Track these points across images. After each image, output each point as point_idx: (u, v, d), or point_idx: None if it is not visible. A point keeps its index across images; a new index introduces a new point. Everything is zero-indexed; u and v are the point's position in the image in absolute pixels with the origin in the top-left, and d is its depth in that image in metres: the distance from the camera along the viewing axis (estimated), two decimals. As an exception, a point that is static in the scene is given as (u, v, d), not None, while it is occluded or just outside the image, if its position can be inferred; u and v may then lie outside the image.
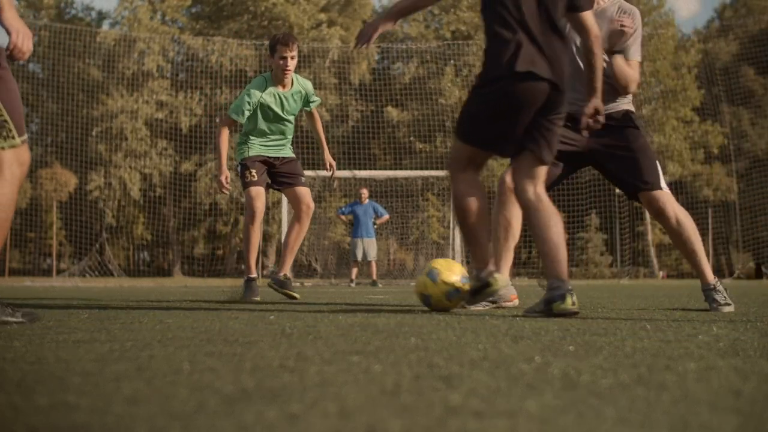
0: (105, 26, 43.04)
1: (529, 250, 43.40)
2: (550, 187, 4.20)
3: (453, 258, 19.81)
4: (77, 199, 34.97)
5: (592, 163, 4.51)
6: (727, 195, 39.44)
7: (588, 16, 3.64)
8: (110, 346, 1.98)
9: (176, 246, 39.52)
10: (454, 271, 4.07)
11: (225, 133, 6.10)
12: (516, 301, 4.33)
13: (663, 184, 4.49)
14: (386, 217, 15.30)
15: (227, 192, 6.02)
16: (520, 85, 3.50)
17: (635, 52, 4.32)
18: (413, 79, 39.95)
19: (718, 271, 32.40)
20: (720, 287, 4.37)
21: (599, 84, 3.67)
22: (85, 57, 37.31)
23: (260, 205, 5.88)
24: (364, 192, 15.04)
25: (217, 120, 4.80)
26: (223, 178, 5.96)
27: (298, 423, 1.02)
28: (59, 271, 26.38)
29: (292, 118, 5.91)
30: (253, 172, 5.88)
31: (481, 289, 3.77)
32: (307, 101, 5.90)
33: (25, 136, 3.27)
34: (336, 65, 38.19)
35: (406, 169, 34.57)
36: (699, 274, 4.47)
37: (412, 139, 38.91)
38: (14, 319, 3.03)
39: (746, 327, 2.74)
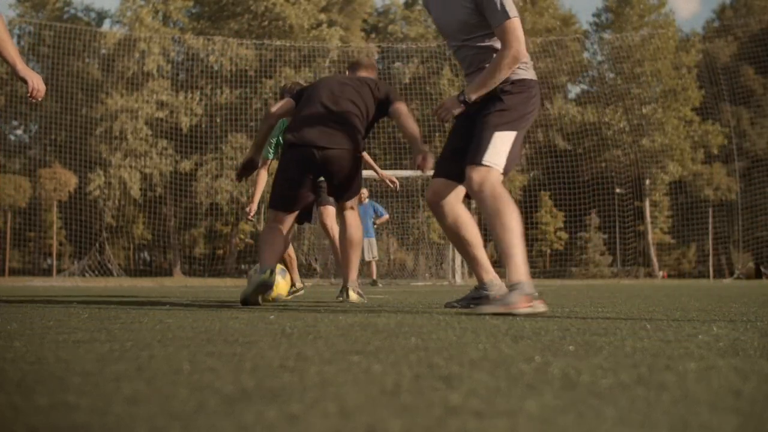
0: (105, 26, 43.05)
1: (529, 249, 43.44)
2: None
3: (453, 257, 19.81)
4: (77, 198, 34.98)
5: None
6: (728, 195, 39.44)
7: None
8: (110, 346, 1.98)
9: (176, 246, 39.52)
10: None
11: (263, 174, 6.49)
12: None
13: (485, 159, 3.71)
14: (386, 217, 15.28)
15: (251, 220, 6.43)
16: None
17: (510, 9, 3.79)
18: (413, 79, 39.95)
19: (718, 271, 32.44)
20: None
21: (477, 86, 3.72)
22: (85, 57, 37.30)
23: (332, 223, 6.66)
24: (364, 192, 15.03)
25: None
26: (248, 209, 6.62)
27: (298, 423, 1.02)
28: (59, 271, 26.40)
29: None
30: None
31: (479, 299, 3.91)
32: None
33: None
34: (336, 65, 38.16)
35: (406, 169, 34.60)
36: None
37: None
38: None
39: (746, 327, 2.75)
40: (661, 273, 37.61)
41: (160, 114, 36.70)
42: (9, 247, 32.63)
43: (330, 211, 6.55)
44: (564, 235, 40.63)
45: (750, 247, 33.48)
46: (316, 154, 4.70)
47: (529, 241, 42.23)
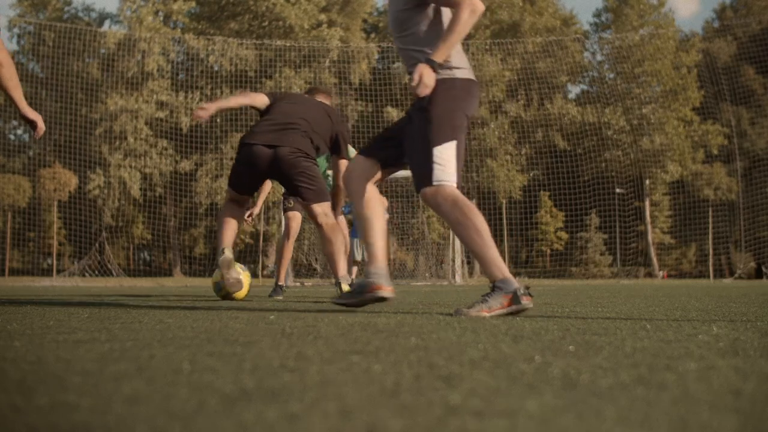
0: (106, 26, 43.03)
1: (529, 249, 43.43)
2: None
3: (453, 258, 19.82)
4: (77, 198, 34.98)
5: None
6: (728, 195, 39.44)
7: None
8: (110, 346, 1.98)
9: (176, 246, 39.52)
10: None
11: (267, 182, 6.75)
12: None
13: (434, 179, 3.67)
14: (386, 217, 15.17)
15: (249, 223, 6.81)
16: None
17: None
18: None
19: (718, 271, 32.44)
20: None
21: (441, 46, 3.58)
22: (85, 57, 37.29)
23: (295, 226, 7.35)
24: None
25: None
26: (250, 212, 6.92)
27: (298, 423, 1.02)
28: (59, 271, 26.40)
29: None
30: (291, 200, 7.27)
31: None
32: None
33: None
34: (336, 65, 38.18)
35: (406, 169, 34.56)
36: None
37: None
38: None
39: (746, 327, 2.75)
40: (661, 273, 37.61)
41: (160, 114, 36.70)
42: (9, 247, 32.62)
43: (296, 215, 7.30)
44: (564, 235, 40.64)
45: (751, 247, 33.47)
46: (267, 151, 5.20)
47: (529, 241, 42.28)
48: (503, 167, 38.65)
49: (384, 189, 25.59)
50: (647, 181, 40.17)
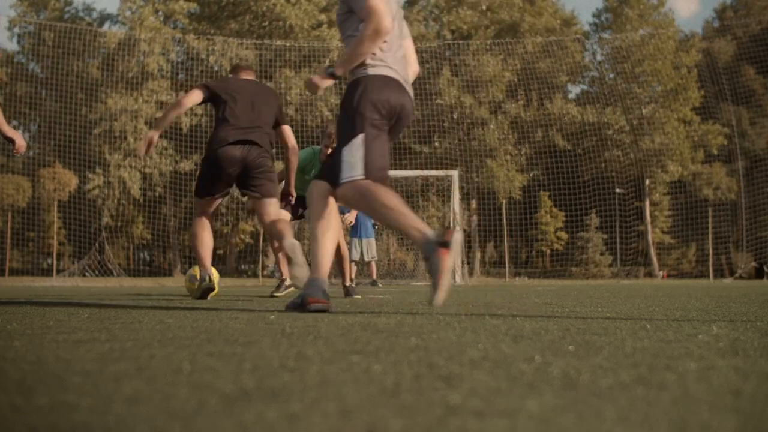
0: (106, 26, 43.02)
1: (529, 250, 43.42)
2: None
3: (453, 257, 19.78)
4: (77, 198, 34.97)
5: None
6: (728, 195, 39.43)
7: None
8: (110, 346, 1.98)
9: (176, 246, 39.51)
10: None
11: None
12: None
13: (341, 178, 3.76)
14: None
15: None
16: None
17: None
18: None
19: (718, 271, 32.42)
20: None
21: (343, 60, 3.78)
22: (86, 56, 37.29)
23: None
24: None
25: None
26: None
27: (298, 423, 1.02)
28: (59, 271, 26.39)
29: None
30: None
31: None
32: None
33: None
34: (336, 65, 38.16)
35: (406, 169, 34.59)
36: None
37: (409, 141, 38.89)
38: None
39: (746, 327, 2.75)
40: (661, 273, 37.60)
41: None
42: (9, 247, 32.62)
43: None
44: (564, 235, 40.63)
45: (751, 247, 33.47)
46: (238, 155, 5.50)
47: (529, 241, 42.28)
48: (503, 167, 38.65)
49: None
50: (647, 181, 40.16)
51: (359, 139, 3.71)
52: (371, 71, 3.76)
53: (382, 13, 3.65)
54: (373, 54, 3.78)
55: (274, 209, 5.65)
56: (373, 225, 14.83)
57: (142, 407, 1.12)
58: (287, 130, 5.91)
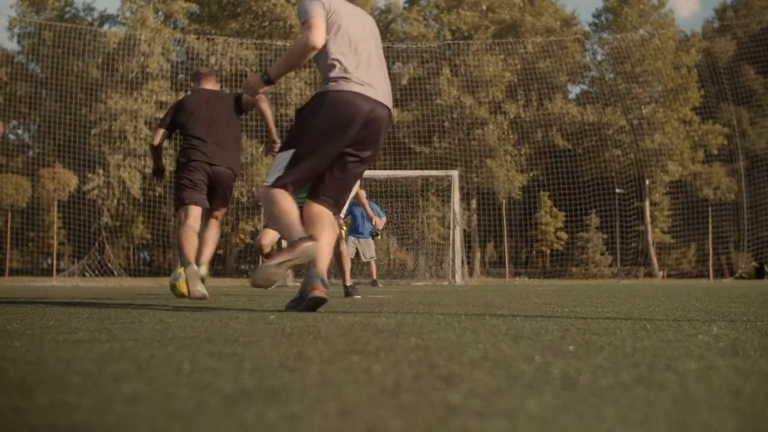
0: (106, 26, 43.00)
1: (529, 250, 43.42)
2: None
3: (453, 257, 19.83)
4: (77, 198, 34.96)
5: None
6: (727, 195, 39.43)
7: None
8: (110, 346, 1.98)
9: (176, 246, 39.50)
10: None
11: None
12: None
13: (266, 180, 4.12)
14: (383, 219, 15.18)
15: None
16: None
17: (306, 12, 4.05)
18: (413, 79, 39.91)
19: (718, 271, 32.43)
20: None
21: (276, 66, 4.13)
22: (86, 57, 37.28)
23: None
24: (362, 193, 14.99)
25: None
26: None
27: (298, 423, 1.02)
28: (59, 271, 26.39)
29: None
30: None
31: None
32: None
33: None
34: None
35: (406, 169, 34.58)
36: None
37: (409, 142, 38.90)
38: None
39: (746, 327, 2.75)
40: (661, 273, 37.60)
41: (160, 114, 36.67)
42: (9, 247, 32.62)
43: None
44: (564, 235, 40.62)
45: (752, 247, 33.47)
46: (208, 169, 5.88)
47: (529, 241, 42.28)
48: (503, 167, 38.65)
49: (384, 189, 25.60)
50: (647, 181, 40.16)
51: (289, 152, 4.01)
52: (332, 87, 3.94)
53: (314, 30, 3.92)
54: (341, 68, 3.96)
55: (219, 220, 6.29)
56: (373, 227, 14.86)
57: (142, 407, 1.12)
58: (251, 101, 6.06)
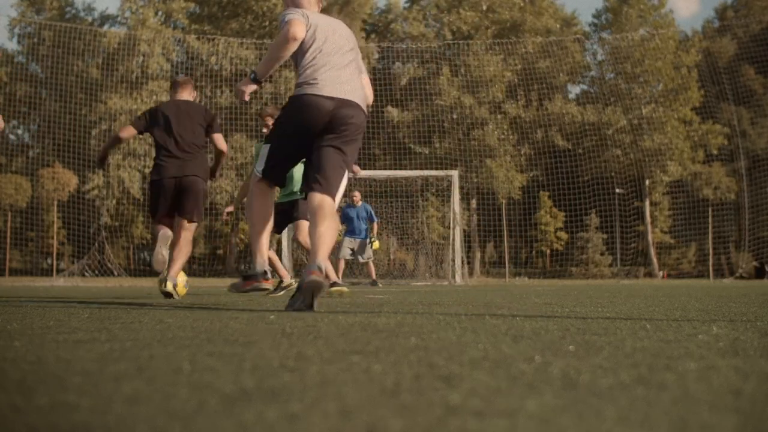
0: (106, 27, 42.99)
1: (529, 250, 43.42)
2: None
3: (453, 257, 19.83)
4: (77, 198, 34.95)
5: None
6: (727, 195, 39.42)
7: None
8: (110, 346, 1.98)
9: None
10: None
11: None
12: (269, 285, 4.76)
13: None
14: (375, 223, 15.24)
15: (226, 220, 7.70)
16: None
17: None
18: (413, 79, 39.90)
19: (718, 271, 32.43)
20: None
21: (261, 64, 4.56)
22: (86, 56, 37.26)
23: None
24: (357, 195, 15.09)
25: None
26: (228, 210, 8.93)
27: (298, 423, 1.02)
28: (59, 271, 26.37)
29: None
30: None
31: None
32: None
33: None
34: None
35: (406, 169, 34.57)
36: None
37: (409, 141, 38.88)
38: None
39: (746, 327, 2.75)
40: (661, 273, 37.59)
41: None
42: (9, 247, 32.62)
43: (303, 226, 7.60)
44: (564, 235, 40.61)
45: (753, 247, 33.47)
46: (174, 182, 6.41)
47: (529, 241, 42.27)
48: (502, 167, 38.64)
49: (384, 189, 25.58)
50: (647, 181, 40.15)
51: (267, 147, 4.60)
52: (299, 91, 4.43)
53: (294, 24, 4.35)
54: (311, 76, 4.40)
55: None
56: (368, 228, 14.93)
57: (142, 407, 1.12)
58: (217, 138, 6.72)
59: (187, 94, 6.73)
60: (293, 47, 4.36)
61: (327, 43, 4.46)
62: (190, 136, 6.48)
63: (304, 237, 7.49)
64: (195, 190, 6.47)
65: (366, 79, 4.76)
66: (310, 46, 4.42)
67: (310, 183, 4.43)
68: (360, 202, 14.96)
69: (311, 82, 4.40)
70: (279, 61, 4.45)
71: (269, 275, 4.58)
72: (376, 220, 15.16)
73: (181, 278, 6.52)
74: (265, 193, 4.58)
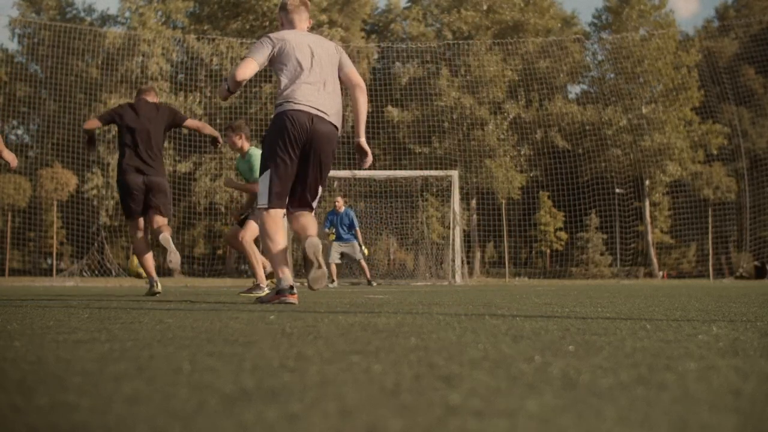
0: (106, 27, 42.97)
1: (529, 250, 43.40)
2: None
3: (453, 257, 19.82)
4: (77, 198, 34.95)
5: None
6: (727, 195, 39.41)
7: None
8: (110, 346, 1.98)
9: (176, 246, 39.48)
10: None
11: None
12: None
13: (257, 204, 5.03)
14: (357, 230, 15.27)
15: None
16: None
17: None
18: (413, 79, 39.90)
19: (718, 271, 32.42)
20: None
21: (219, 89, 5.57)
22: (86, 57, 37.26)
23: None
24: (339, 201, 15.15)
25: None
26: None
27: (298, 423, 1.02)
28: (59, 271, 26.37)
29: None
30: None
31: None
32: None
33: None
34: (336, 65, 38.12)
35: (405, 169, 34.56)
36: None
37: (408, 142, 38.87)
38: None
39: (746, 327, 2.75)
40: (661, 273, 37.58)
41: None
42: (9, 247, 32.62)
43: (251, 226, 7.91)
44: (564, 235, 40.60)
45: (752, 247, 33.47)
46: (141, 181, 6.84)
47: (529, 241, 42.25)
48: (502, 167, 38.62)
49: (383, 189, 25.58)
50: (647, 181, 40.14)
51: (266, 174, 4.84)
52: (278, 110, 4.80)
53: (241, 68, 4.78)
54: (289, 93, 4.78)
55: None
56: (352, 233, 15.00)
57: (142, 407, 1.12)
58: (190, 122, 7.21)
59: (150, 98, 7.14)
60: (241, 85, 4.85)
61: (305, 61, 4.84)
62: (154, 137, 6.93)
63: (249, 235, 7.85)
64: (164, 191, 6.94)
65: (358, 79, 5.17)
66: (285, 66, 4.82)
67: (303, 204, 4.91)
68: (342, 208, 15.01)
69: (289, 100, 4.78)
70: (238, 87, 4.90)
71: (295, 290, 4.80)
72: (357, 226, 15.16)
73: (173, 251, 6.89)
74: (275, 220, 4.82)
